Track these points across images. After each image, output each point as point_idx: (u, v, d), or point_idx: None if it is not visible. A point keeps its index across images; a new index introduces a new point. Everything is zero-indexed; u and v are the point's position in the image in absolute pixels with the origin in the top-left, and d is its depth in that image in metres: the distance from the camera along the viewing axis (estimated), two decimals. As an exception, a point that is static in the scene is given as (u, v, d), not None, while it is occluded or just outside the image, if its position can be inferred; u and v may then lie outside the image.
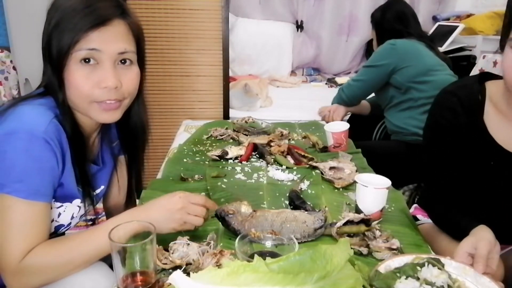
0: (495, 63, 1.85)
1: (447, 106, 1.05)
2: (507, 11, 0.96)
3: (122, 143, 1.05)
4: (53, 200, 0.85)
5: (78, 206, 0.91)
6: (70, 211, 0.90)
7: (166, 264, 0.77)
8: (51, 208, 0.84)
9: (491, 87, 1.04)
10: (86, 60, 0.80)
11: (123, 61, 0.85)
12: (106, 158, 1.04)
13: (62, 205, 0.88)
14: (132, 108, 0.96)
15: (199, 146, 1.58)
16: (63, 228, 0.92)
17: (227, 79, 2.19)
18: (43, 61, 0.83)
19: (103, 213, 1.18)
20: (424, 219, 1.25)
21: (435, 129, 1.08)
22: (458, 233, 0.94)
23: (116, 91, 0.84)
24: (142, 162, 1.08)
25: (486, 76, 1.07)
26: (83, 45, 0.79)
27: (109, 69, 0.82)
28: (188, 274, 0.59)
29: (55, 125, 0.80)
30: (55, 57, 0.80)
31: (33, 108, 0.80)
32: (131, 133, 1.01)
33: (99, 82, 0.81)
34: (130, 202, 1.12)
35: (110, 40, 0.81)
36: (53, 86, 0.82)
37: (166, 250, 0.80)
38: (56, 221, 0.89)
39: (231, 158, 1.42)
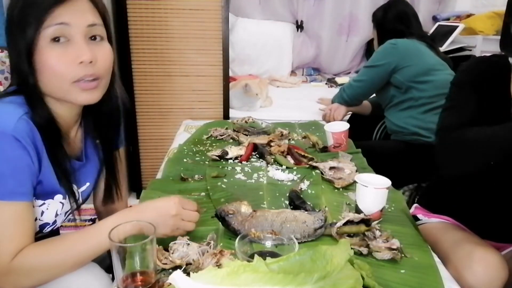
0: (495, 63, 1.84)
1: (476, 64, 1.10)
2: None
3: (97, 132, 1.00)
4: (34, 198, 0.83)
5: (60, 202, 0.89)
6: (53, 209, 0.88)
7: (166, 264, 0.77)
8: (33, 206, 0.83)
9: None
10: (57, 39, 0.78)
11: (93, 38, 0.83)
12: (90, 153, 1.00)
13: (44, 203, 0.86)
14: (107, 94, 0.92)
15: (199, 146, 1.58)
16: (48, 226, 0.90)
17: (227, 79, 2.19)
18: (9, 59, 0.81)
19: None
20: (424, 218, 1.25)
21: (460, 85, 1.12)
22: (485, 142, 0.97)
23: (92, 66, 0.81)
24: (119, 155, 1.05)
25: None
26: (50, 21, 0.77)
27: (81, 44, 0.80)
28: (188, 274, 0.59)
29: (26, 122, 0.77)
30: (23, 44, 0.77)
31: (1, 107, 0.78)
32: (104, 120, 0.98)
33: (73, 59, 0.79)
34: (109, 200, 1.07)
35: (77, 13, 0.80)
36: (24, 79, 0.80)
37: (166, 250, 0.80)
38: (40, 219, 0.87)
39: (231, 158, 1.42)
